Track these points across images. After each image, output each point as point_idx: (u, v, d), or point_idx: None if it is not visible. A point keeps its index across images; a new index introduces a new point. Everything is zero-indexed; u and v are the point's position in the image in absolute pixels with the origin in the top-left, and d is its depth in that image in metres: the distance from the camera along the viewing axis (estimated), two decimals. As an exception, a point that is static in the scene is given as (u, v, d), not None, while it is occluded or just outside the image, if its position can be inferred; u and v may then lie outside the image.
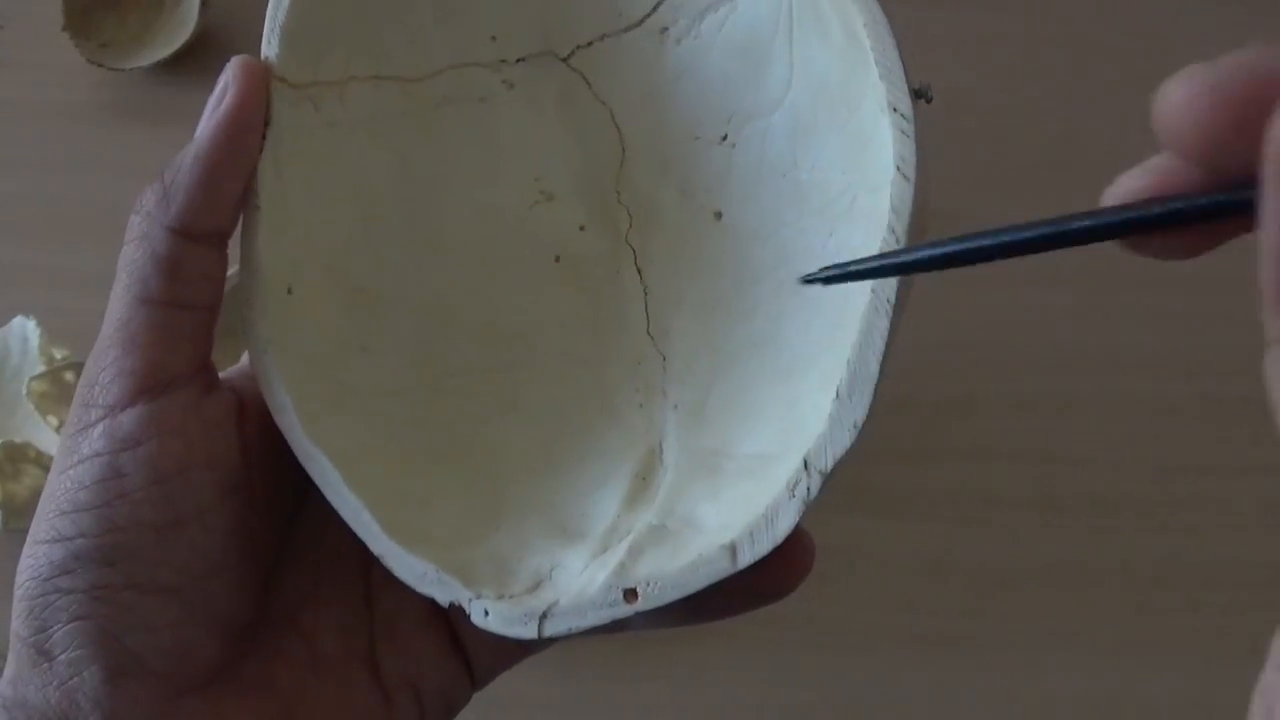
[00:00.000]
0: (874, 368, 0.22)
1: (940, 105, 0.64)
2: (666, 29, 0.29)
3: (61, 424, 0.48)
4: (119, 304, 0.26)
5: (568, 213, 0.29)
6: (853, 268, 0.20)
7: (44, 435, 0.48)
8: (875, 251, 0.22)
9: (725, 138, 0.29)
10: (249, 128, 0.26)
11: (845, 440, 0.22)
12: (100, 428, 0.25)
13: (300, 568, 0.28)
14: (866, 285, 0.22)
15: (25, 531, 0.24)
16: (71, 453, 0.25)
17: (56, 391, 0.48)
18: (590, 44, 0.29)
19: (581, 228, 0.29)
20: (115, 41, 0.65)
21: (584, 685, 0.46)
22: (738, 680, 0.46)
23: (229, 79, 0.26)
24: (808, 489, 0.22)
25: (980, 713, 0.47)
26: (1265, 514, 0.50)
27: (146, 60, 0.63)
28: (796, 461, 0.22)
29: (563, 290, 0.29)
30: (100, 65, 0.62)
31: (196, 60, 0.65)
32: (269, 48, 0.27)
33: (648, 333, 0.29)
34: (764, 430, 0.26)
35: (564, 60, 0.29)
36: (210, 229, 0.26)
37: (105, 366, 0.25)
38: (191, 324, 0.26)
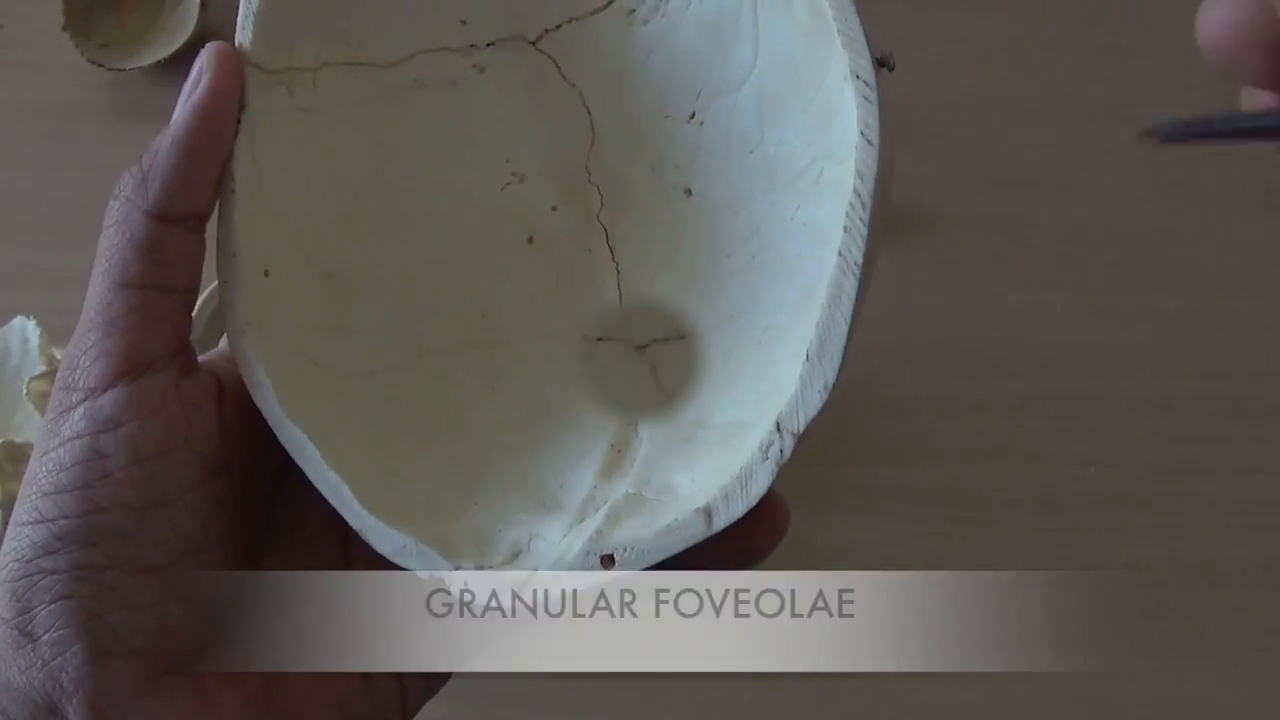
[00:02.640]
0: (843, 330, 0.22)
1: (939, 105, 0.64)
2: (634, 10, 0.29)
3: (61, 424, 0.48)
4: (98, 288, 0.26)
5: (539, 194, 0.30)
6: (1188, 129, 0.20)
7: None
8: (846, 219, 0.23)
9: (693, 115, 0.29)
10: (224, 113, 0.27)
11: (816, 401, 0.22)
12: (80, 410, 0.25)
13: (280, 550, 0.28)
14: (834, 251, 0.23)
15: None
16: (52, 435, 0.25)
17: (56, 391, 0.48)
18: (559, 27, 0.30)
19: (554, 208, 0.30)
20: (115, 41, 0.64)
21: (583, 684, 0.46)
22: (738, 679, 0.46)
23: (203, 65, 0.27)
24: (780, 450, 0.22)
25: (980, 712, 0.47)
26: (1266, 513, 0.50)
27: (146, 60, 0.63)
28: (770, 425, 0.22)
29: (536, 270, 0.29)
30: (100, 65, 0.62)
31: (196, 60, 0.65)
32: (243, 34, 0.27)
33: (621, 310, 0.29)
34: (739, 399, 0.26)
35: (533, 44, 0.30)
36: (187, 212, 0.26)
37: (86, 350, 0.25)
38: (170, 306, 0.26)
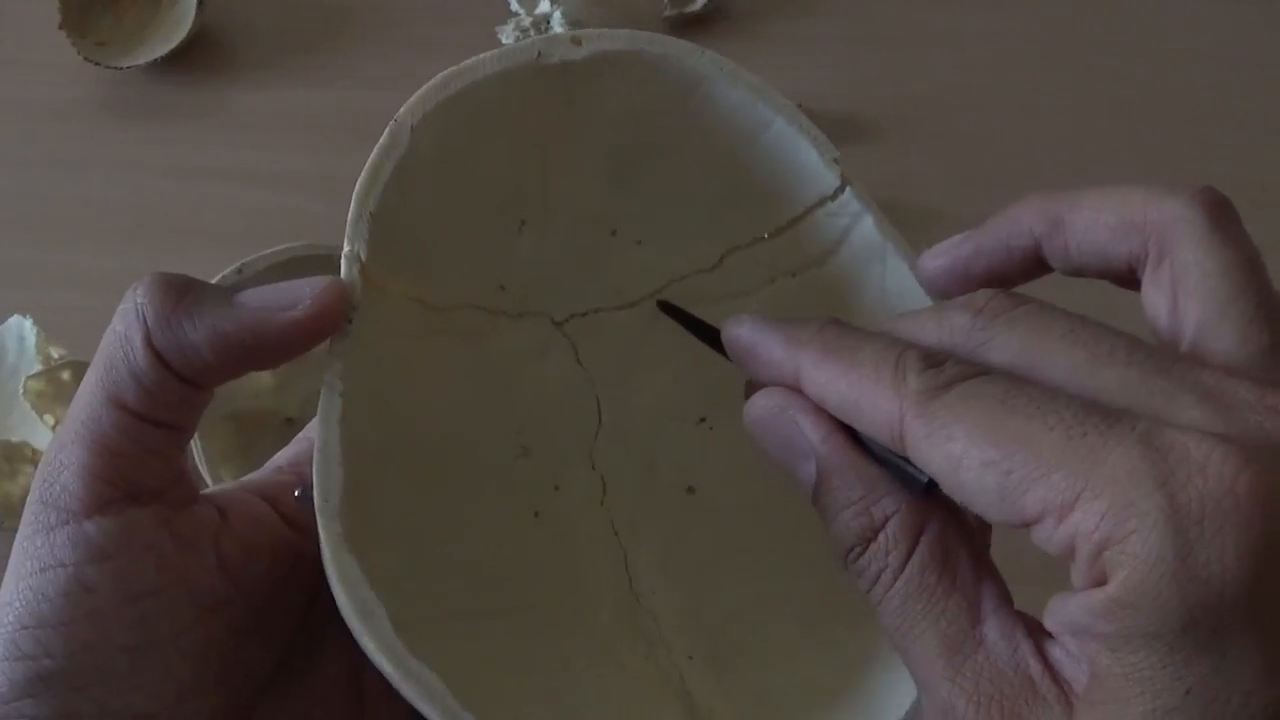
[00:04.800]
0: None
1: (939, 105, 0.64)
2: (659, 315, 0.29)
3: (58, 423, 0.48)
4: (91, 396, 0.23)
5: (544, 471, 0.29)
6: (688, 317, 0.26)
7: (41, 434, 0.48)
8: None
9: (703, 419, 0.30)
10: (289, 345, 0.24)
11: None
12: (64, 534, 0.23)
13: (287, 697, 0.26)
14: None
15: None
16: (30, 556, 0.23)
17: (53, 391, 0.48)
18: (585, 314, 0.30)
19: (556, 488, 0.29)
20: (112, 39, 0.64)
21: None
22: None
23: (311, 292, 0.24)
24: None
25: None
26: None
27: (143, 58, 0.63)
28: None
29: (545, 545, 0.29)
30: (97, 63, 0.62)
31: (193, 58, 0.65)
32: (355, 241, 0.25)
33: (632, 591, 0.28)
34: (804, 672, 0.27)
35: (558, 325, 0.30)
36: (192, 378, 0.24)
37: (68, 464, 0.23)
38: (165, 440, 0.24)
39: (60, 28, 0.61)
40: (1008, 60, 0.65)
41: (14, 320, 0.51)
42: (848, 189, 0.28)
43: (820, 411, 0.21)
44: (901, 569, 0.20)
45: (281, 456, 0.29)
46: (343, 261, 0.25)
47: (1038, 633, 0.19)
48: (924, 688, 0.19)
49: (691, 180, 0.29)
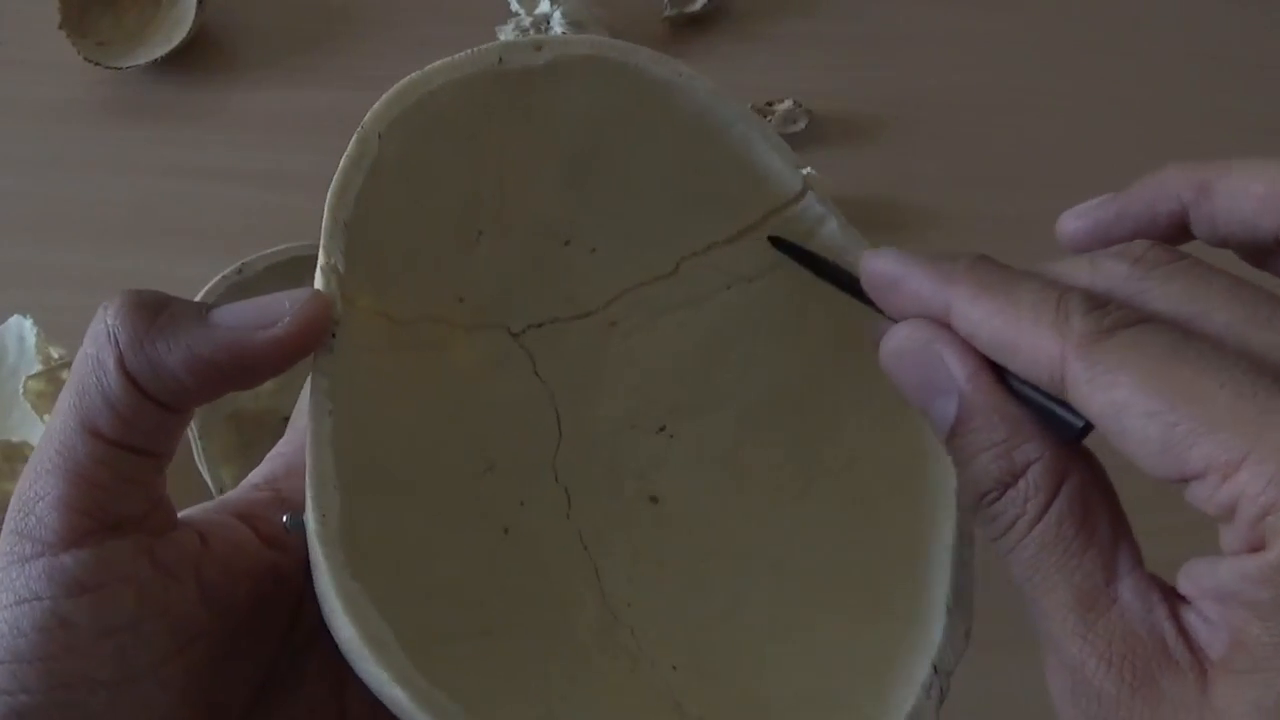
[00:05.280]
0: (971, 584, 0.26)
1: (939, 105, 0.64)
2: (615, 323, 0.30)
3: (58, 423, 0.48)
4: (65, 423, 0.23)
5: (508, 486, 0.29)
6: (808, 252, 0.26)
7: (40, 434, 0.48)
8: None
9: (663, 428, 0.30)
10: (261, 367, 0.23)
11: (961, 645, 0.25)
12: (39, 566, 0.22)
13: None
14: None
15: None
16: (5, 588, 0.22)
17: (53, 391, 0.48)
18: (541, 325, 0.29)
19: (522, 503, 0.29)
20: (112, 39, 0.64)
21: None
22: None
23: (290, 309, 0.23)
24: (940, 689, 0.25)
25: (980, 713, 0.46)
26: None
27: (143, 58, 0.63)
28: (928, 668, 0.25)
29: (517, 563, 0.28)
30: (97, 63, 0.62)
31: (193, 58, 0.65)
32: (333, 254, 0.25)
33: (607, 607, 0.28)
34: (792, 677, 0.27)
35: (515, 336, 0.29)
36: (168, 403, 0.23)
37: (44, 495, 0.22)
38: (143, 467, 0.23)
39: (60, 28, 0.61)
40: (1008, 60, 0.65)
41: (14, 320, 0.51)
42: (808, 194, 0.28)
43: (968, 348, 0.20)
44: (1039, 518, 0.19)
45: (257, 474, 0.28)
46: (320, 274, 0.24)
47: (1171, 597, 0.19)
48: (1052, 643, 0.19)
49: (648, 187, 0.29)
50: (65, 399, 0.23)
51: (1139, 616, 0.18)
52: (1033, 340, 0.19)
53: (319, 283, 0.24)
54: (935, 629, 0.25)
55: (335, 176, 0.24)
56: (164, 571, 0.23)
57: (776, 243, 0.28)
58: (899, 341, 0.21)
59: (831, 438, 0.29)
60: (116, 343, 0.22)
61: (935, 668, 0.25)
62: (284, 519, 0.25)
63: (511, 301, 0.29)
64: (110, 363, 0.22)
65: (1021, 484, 0.19)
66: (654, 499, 0.29)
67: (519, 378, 0.29)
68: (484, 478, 0.28)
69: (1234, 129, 0.62)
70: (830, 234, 0.28)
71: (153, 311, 0.23)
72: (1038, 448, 0.19)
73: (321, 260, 0.24)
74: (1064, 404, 0.19)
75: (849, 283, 0.25)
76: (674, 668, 0.27)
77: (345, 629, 0.22)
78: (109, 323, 0.23)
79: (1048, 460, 0.19)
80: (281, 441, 0.29)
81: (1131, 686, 0.18)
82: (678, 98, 0.28)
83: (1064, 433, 0.19)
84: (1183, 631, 0.18)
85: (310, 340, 0.23)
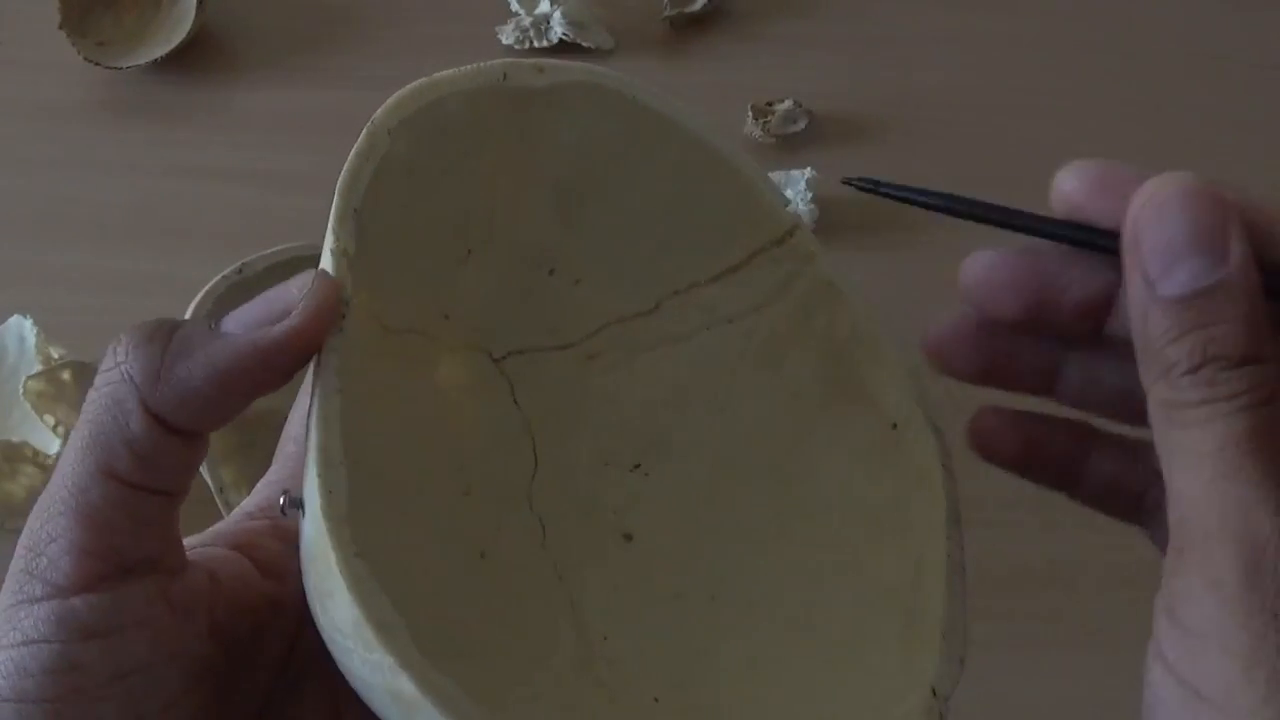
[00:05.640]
0: (964, 614, 0.26)
1: (939, 105, 0.64)
2: (595, 356, 0.30)
3: (58, 423, 0.48)
4: (79, 465, 0.22)
5: (485, 510, 0.28)
6: (886, 189, 0.25)
7: (41, 434, 0.48)
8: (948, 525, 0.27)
9: (638, 466, 0.30)
10: (287, 361, 0.23)
11: (958, 670, 0.25)
12: (48, 608, 0.21)
13: None
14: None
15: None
16: (13, 626, 0.22)
17: (53, 391, 0.48)
18: (522, 352, 0.29)
19: (498, 529, 0.28)
20: (112, 40, 0.64)
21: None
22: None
23: (299, 296, 0.23)
24: (941, 713, 0.25)
25: (980, 713, 0.46)
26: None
27: (144, 58, 0.63)
28: (926, 692, 0.25)
29: (494, 588, 0.28)
30: (97, 64, 0.62)
31: (194, 58, 0.65)
32: (339, 240, 0.25)
33: (584, 638, 0.28)
34: (776, 711, 0.26)
35: (496, 361, 0.29)
36: (193, 432, 0.23)
37: (56, 537, 0.22)
38: (160, 507, 0.23)
39: (60, 28, 0.61)
40: (1008, 60, 0.65)
41: (14, 320, 0.51)
42: (795, 234, 0.28)
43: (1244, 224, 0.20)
44: (1269, 400, 0.20)
45: (250, 502, 0.28)
46: (329, 257, 0.24)
47: None
48: (1224, 526, 0.19)
49: (635, 220, 0.29)
50: (77, 443, 0.22)
51: None
52: None
53: (327, 265, 0.24)
54: (930, 659, 0.25)
55: (345, 167, 0.24)
56: (178, 615, 0.23)
57: (855, 183, 0.26)
58: (1184, 184, 0.21)
59: (808, 481, 0.29)
60: (133, 381, 0.22)
61: (934, 691, 0.24)
62: (280, 499, 0.24)
63: (495, 326, 0.29)
64: (130, 403, 0.22)
65: (1266, 368, 0.20)
66: (628, 536, 0.29)
67: (498, 403, 0.29)
68: (462, 500, 0.28)
69: (1234, 129, 0.62)
70: (813, 277, 0.28)
71: (164, 339, 0.22)
72: (1275, 347, 0.20)
73: (331, 244, 0.24)
74: None
75: (937, 202, 0.25)
76: (655, 699, 0.27)
77: (349, 609, 0.21)
78: (122, 363, 0.22)
79: (1277, 365, 0.20)
80: (273, 469, 0.28)
81: None
82: (671, 131, 0.28)
83: None
84: None
85: (326, 322, 0.23)
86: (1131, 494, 0.26)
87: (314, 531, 0.22)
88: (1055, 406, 0.26)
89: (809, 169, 0.57)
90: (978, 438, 0.26)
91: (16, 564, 0.22)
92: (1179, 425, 0.20)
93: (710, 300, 0.29)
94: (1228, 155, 0.60)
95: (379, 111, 0.25)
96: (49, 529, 0.22)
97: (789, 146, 0.60)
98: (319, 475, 0.22)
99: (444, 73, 0.26)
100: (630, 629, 0.28)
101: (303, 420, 0.23)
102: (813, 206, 0.56)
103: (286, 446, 0.28)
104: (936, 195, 0.25)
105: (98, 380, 0.22)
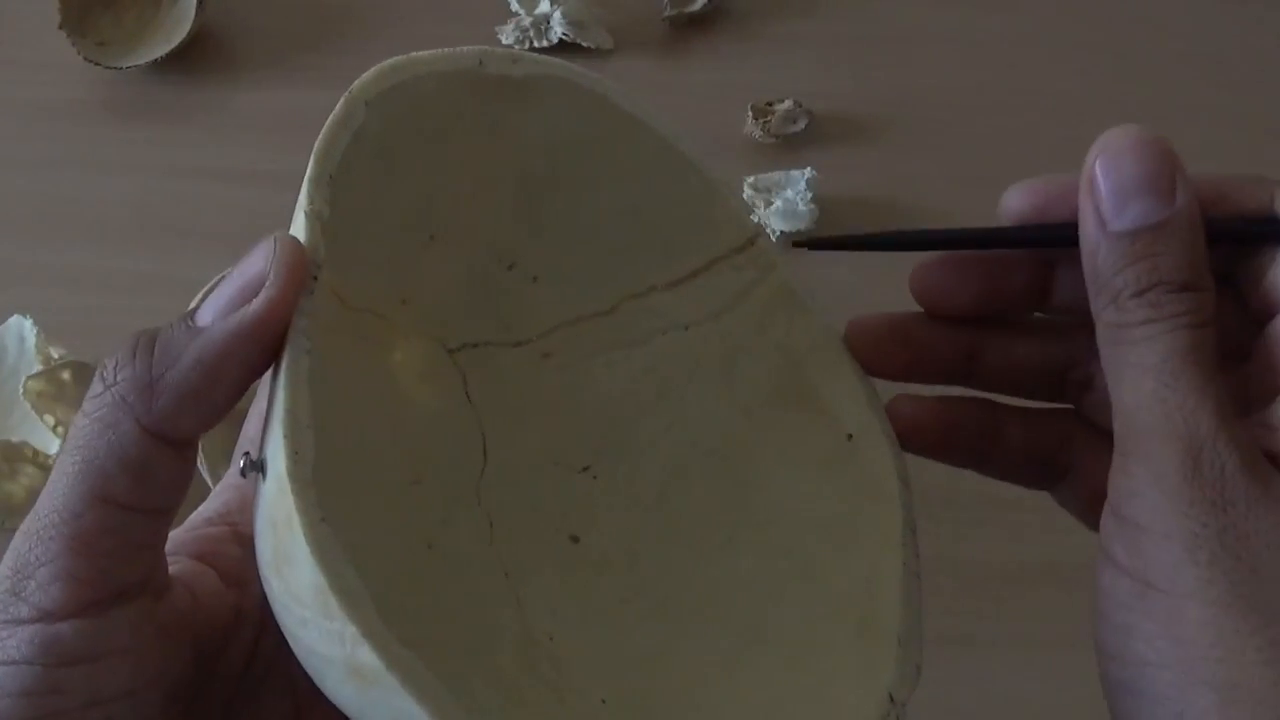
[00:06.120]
0: (920, 623, 0.26)
1: (939, 105, 0.64)
2: (549, 355, 0.29)
3: (58, 423, 0.48)
4: (71, 490, 0.22)
5: (433, 502, 0.28)
6: (828, 240, 0.28)
7: (41, 434, 0.48)
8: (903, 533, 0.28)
9: (587, 468, 0.29)
10: (272, 339, 0.22)
11: (913, 676, 0.26)
12: (33, 631, 0.21)
13: None
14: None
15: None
16: None
17: (53, 391, 0.48)
18: (476, 346, 0.29)
19: (443, 522, 0.28)
20: (112, 39, 0.64)
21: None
22: None
23: (267, 267, 0.22)
24: (898, 717, 0.25)
25: (980, 713, 0.46)
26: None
27: (143, 58, 0.63)
28: (883, 697, 0.25)
29: (439, 580, 0.27)
30: (97, 63, 0.62)
31: (194, 58, 0.65)
32: (304, 231, 0.24)
33: (528, 636, 0.27)
34: (727, 716, 0.27)
35: (450, 352, 0.29)
36: (189, 438, 0.23)
37: (45, 562, 0.21)
38: (152, 529, 0.23)
39: (60, 28, 0.61)
40: (1008, 60, 0.65)
41: (14, 320, 0.51)
42: (757, 242, 0.29)
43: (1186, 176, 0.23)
44: (1207, 323, 0.22)
45: (207, 507, 0.27)
46: (302, 218, 0.23)
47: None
48: (1170, 430, 0.21)
49: (598, 220, 0.29)
50: (69, 467, 0.22)
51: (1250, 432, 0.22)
52: (1237, 185, 0.23)
53: (300, 226, 0.23)
54: (887, 666, 0.25)
55: (322, 133, 0.24)
56: (163, 637, 0.23)
57: (800, 245, 0.28)
58: (1136, 133, 0.23)
59: (759, 489, 0.29)
60: (126, 401, 0.22)
61: (891, 697, 0.25)
62: (239, 461, 0.23)
63: (451, 316, 0.29)
64: (125, 424, 0.22)
65: (1203, 295, 0.22)
66: (574, 539, 0.29)
67: (449, 395, 0.29)
68: (411, 488, 0.27)
69: (1234, 129, 0.62)
70: (772, 286, 0.28)
71: (147, 352, 0.22)
72: (1211, 282, 0.22)
73: (305, 205, 0.23)
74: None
75: (889, 242, 0.27)
76: (603, 701, 0.26)
77: (310, 575, 0.20)
78: (112, 386, 0.22)
79: (1213, 296, 0.22)
80: (230, 472, 0.28)
81: (1251, 468, 0.21)
82: (640, 134, 0.28)
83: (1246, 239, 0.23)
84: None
85: (300, 283, 0.22)
86: (1041, 460, 0.28)
87: (277, 493, 0.21)
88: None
89: (809, 169, 0.57)
90: (898, 427, 0.28)
91: (1, 584, 0.22)
92: (1125, 343, 0.22)
93: (668, 305, 0.29)
94: (1228, 155, 0.60)
95: (357, 82, 0.25)
96: (38, 552, 0.21)
97: (789, 146, 0.60)
98: (285, 436, 0.21)
99: (423, 53, 0.26)
100: (577, 631, 0.28)
101: (261, 411, 0.23)
102: (813, 206, 0.56)
103: (243, 445, 0.28)
104: (885, 237, 0.27)
105: (86, 406, 0.22)
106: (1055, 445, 0.28)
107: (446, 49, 0.26)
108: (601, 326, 0.30)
